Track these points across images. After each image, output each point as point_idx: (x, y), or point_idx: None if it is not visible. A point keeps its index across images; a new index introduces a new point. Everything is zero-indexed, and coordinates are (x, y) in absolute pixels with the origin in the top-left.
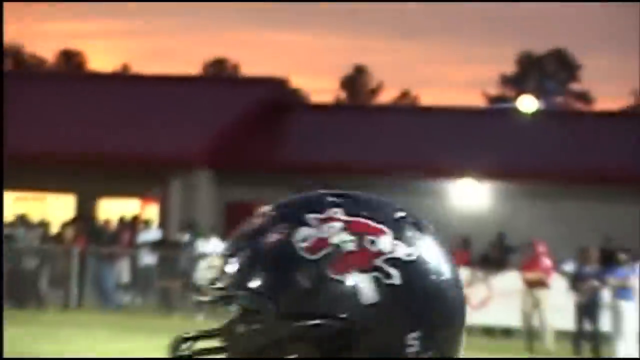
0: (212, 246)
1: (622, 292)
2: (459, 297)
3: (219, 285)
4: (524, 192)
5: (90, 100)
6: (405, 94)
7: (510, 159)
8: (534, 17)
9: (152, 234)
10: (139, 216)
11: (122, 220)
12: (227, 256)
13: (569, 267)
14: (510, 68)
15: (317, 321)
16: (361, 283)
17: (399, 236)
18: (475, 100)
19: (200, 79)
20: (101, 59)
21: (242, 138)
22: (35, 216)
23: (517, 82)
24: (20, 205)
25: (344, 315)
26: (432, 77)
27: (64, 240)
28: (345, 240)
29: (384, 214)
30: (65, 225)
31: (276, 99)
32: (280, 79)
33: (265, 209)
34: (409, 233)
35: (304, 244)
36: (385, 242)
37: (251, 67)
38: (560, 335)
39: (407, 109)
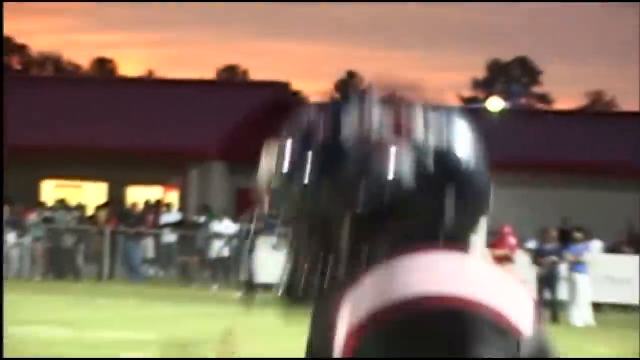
0: (224, 226)
1: (577, 266)
2: None
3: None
4: (493, 181)
5: (120, 102)
6: None
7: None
8: (502, 29)
9: (173, 216)
10: (162, 200)
11: (147, 204)
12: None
13: (532, 244)
14: (481, 73)
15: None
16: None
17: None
18: (450, 101)
19: (214, 83)
20: (129, 66)
21: (250, 134)
22: (73, 201)
23: (487, 86)
24: (60, 191)
25: None
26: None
27: (97, 221)
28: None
29: None
30: (98, 209)
31: (279, 100)
32: (283, 83)
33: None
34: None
35: None
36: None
37: (258, 72)
38: None
39: None
